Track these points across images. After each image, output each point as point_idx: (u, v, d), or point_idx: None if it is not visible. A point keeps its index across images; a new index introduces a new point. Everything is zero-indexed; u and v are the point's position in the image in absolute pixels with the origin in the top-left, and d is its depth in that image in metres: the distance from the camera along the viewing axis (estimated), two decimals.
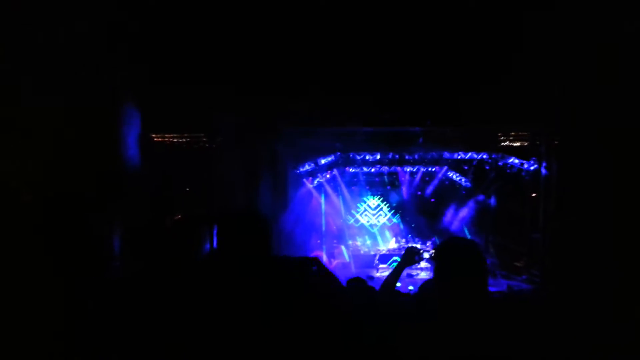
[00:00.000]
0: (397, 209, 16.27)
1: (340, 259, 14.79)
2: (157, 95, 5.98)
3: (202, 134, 10.60)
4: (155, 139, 9.81)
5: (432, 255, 2.85)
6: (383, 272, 13.76)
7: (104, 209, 3.60)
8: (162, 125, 9.21)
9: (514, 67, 6.14)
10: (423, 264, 12.06)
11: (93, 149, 3.71)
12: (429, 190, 15.97)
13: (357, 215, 16.09)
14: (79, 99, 3.41)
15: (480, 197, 14.74)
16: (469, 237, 14.46)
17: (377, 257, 14.51)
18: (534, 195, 12.69)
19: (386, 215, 16.24)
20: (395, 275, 2.79)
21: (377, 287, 2.93)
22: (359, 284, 3.24)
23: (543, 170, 12.00)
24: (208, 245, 10.88)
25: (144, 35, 4.59)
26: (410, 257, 2.86)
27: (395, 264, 2.90)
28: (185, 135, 10.31)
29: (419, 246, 3.10)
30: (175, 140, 10.33)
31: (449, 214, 15.17)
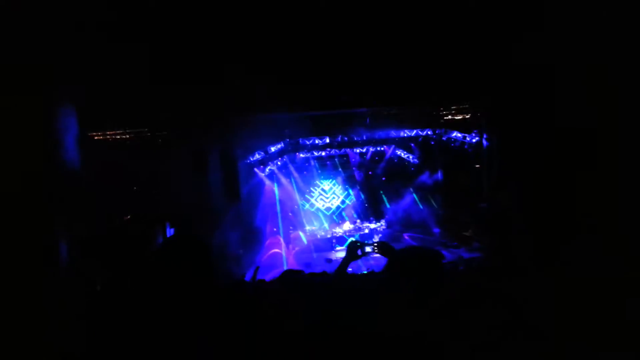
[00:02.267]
0: (349, 190, 16.50)
1: (299, 244, 14.89)
2: (96, 92, 5.72)
3: (145, 129, 10.24)
4: (95, 137, 9.39)
5: (375, 248, 2.91)
6: (340, 253, 13.99)
7: (45, 215, 3.45)
8: (102, 123, 8.82)
9: (454, 44, 6.31)
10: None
11: (27, 150, 3.51)
12: (379, 169, 16.31)
13: (312, 200, 16.20)
14: (8, 99, 3.22)
15: (427, 173, 15.25)
16: (420, 207, 14.95)
17: (333, 240, 14.72)
18: (477, 166, 13.24)
19: (340, 197, 16.44)
20: (341, 270, 2.84)
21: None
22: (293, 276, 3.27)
23: (484, 142, 12.52)
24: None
25: (81, 29, 4.37)
26: (353, 251, 2.89)
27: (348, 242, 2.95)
28: (128, 131, 9.92)
29: (358, 241, 3.15)
30: (117, 137, 9.93)
31: (400, 191, 15.58)
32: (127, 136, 10.05)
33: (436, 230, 14.78)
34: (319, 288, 3.05)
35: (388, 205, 16.03)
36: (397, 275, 2.07)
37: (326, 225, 15.87)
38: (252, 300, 2.37)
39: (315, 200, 16.26)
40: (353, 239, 13.58)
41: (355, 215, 16.20)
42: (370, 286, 3.64)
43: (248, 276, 10.68)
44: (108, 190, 7.99)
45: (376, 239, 14.44)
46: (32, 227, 3.30)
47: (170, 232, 10.94)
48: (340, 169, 16.15)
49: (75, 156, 4.20)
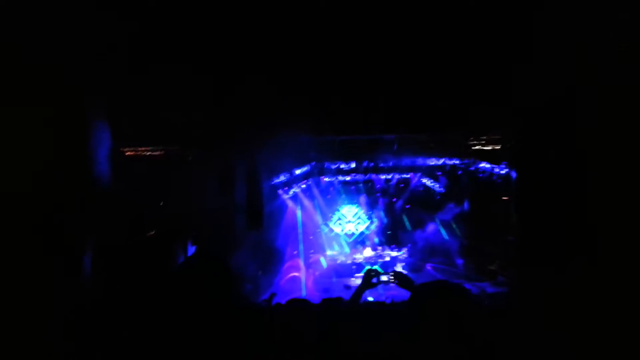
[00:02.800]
0: (373, 216, 16.35)
1: (318, 268, 14.75)
2: (129, 108, 5.85)
3: (177, 147, 10.43)
4: (127, 153, 9.60)
5: (391, 277, 2.85)
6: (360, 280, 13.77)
7: (76, 227, 3.50)
8: (134, 139, 9.02)
9: (483, 73, 6.26)
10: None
11: (62, 164, 3.59)
12: (404, 197, 16.14)
13: (333, 225, 16.10)
14: (44, 113, 3.32)
15: (453, 202, 15.00)
16: (446, 238, 14.65)
17: (354, 266, 14.54)
18: (505, 198, 12.96)
19: (362, 223, 16.29)
20: (356, 299, 2.77)
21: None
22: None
23: (513, 174, 12.26)
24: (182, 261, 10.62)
25: (114, 48, 4.51)
26: (368, 280, 2.83)
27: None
28: (160, 148, 10.11)
29: (374, 269, 3.10)
30: (148, 153, 10.12)
31: (424, 220, 15.34)
32: (158, 152, 10.24)
33: (459, 261, 14.44)
34: (332, 315, 2.99)
35: (411, 234, 15.78)
36: (418, 310, 2.00)
37: (347, 250, 15.71)
38: (265, 324, 2.34)
39: (337, 224, 16.15)
40: (369, 267, 13.37)
41: (377, 242, 16.00)
42: (388, 317, 3.55)
43: (263, 298, 10.61)
44: (135, 204, 8.11)
45: (399, 267, 14.19)
46: (61, 236, 3.34)
47: (191, 249, 11.00)
48: (364, 195, 16.05)
49: (107, 170, 4.28)
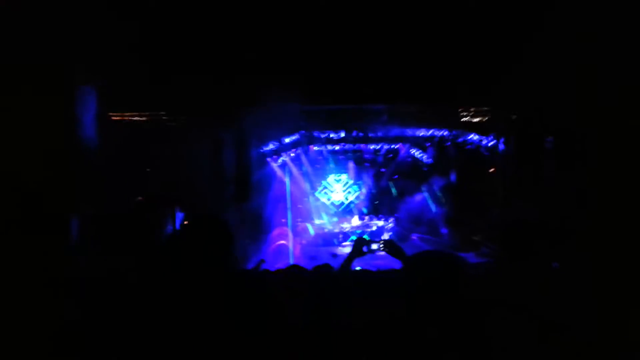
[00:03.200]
0: (361, 186, 16.45)
1: (306, 236, 14.90)
2: (115, 73, 5.72)
3: (162, 113, 10.26)
4: (113, 118, 9.43)
5: (381, 246, 2.87)
6: (346, 249, 13.96)
7: (62, 193, 3.46)
8: (121, 104, 8.85)
9: (474, 43, 6.22)
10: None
11: (46, 129, 3.53)
12: (392, 167, 16.21)
13: (321, 194, 16.18)
14: (31, 78, 3.23)
15: (440, 173, 15.12)
16: (433, 210, 14.81)
17: (340, 235, 14.71)
18: (492, 170, 13.08)
19: (350, 192, 16.39)
20: (346, 267, 2.79)
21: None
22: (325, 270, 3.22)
23: (501, 146, 12.36)
24: (171, 227, 10.67)
25: (103, 11, 4.37)
26: (359, 248, 2.85)
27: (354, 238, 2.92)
28: (146, 113, 9.94)
29: (364, 237, 3.10)
30: (135, 119, 9.96)
31: (411, 191, 15.46)
32: (144, 118, 10.09)
33: (444, 231, 14.66)
34: (322, 282, 3.03)
35: (398, 204, 15.93)
36: (415, 280, 2.02)
37: (334, 219, 15.85)
38: (254, 289, 2.34)
39: (325, 193, 16.24)
40: (359, 236, 13.56)
41: (364, 212, 16.15)
42: (379, 285, 3.61)
43: (250, 265, 10.72)
44: (121, 170, 8.03)
45: (386, 236, 14.39)
46: (50, 203, 3.31)
47: (179, 215, 11.01)
48: (353, 164, 16.08)
49: (93, 135, 4.22)
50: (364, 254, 2.85)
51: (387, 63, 6.57)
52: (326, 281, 2.85)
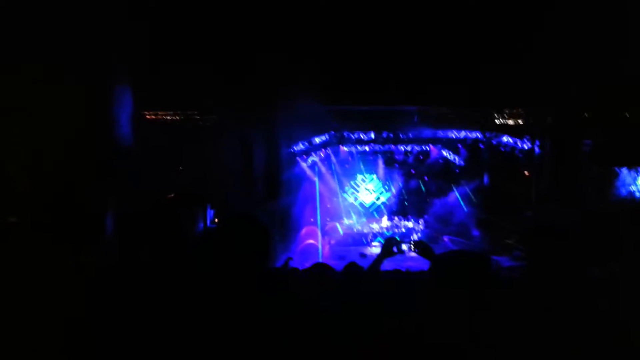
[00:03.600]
0: (390, 187, 16.32)
1: (335, 235, 14.90)
2: (150, 73, 5.88)
3: (195, 112, 10.48)
4: (147, 117, 9.69)
5: (412, 246, 2.82)
6: (376, 249, 13.90)
7: (99, 189, 3.58)
8: (155, 103, 9.09)
9: (508, 49, 6.10)
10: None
11: (85, 128, 3.65)
12: (423, 168, 16.01)
13: (350, 194, 16.14)
14: (71, 77, 3.35)
15: (472, 176, 14.85)
16: (464, 211, 14.55)
17: (369, 235, 14.64)
18: (526, 173, 12.76)
19: (380, 193, 16.30)
20: (376, 267, 2.76)
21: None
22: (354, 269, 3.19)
23: (536, 149, 12.04)
24: (202, 225, 10.87)
25: (139, 14, 4.49)
26: (389, 248, 2.80)
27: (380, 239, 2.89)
28: (179, 113, 10.18)
29: (395, 237, 3.06)
30: (168, 118, 10.21)
31: (442, 192, 15.24)
32: (177, 117, 10.32)
33: (476, 234, 14.38)
34: (350, 281, 3.01)
35: (428, 205, 15.73)
36: (443, 279, 1.99)
37: (364, 219, 15.79)
38: (282, 287, 2.35)
39: (355, 194, 16.19)
40: (389, 236, 13.45)
41: (394, 213, 16.02)
42: (408, 287, 3.57)
43: (279, 264, 10.80)
44: (154, 168, 8.23)
45: (415, 237, 14.24)
46: (83, 197, 3.43)
47: (210, 213, 11.20)
48: (383, 165, 15.97)
49: (128, 133, 4.34)
50: (394, 254, 2.81)
51: (417, 64, 6.50)
52: (354, 280, 2.83)
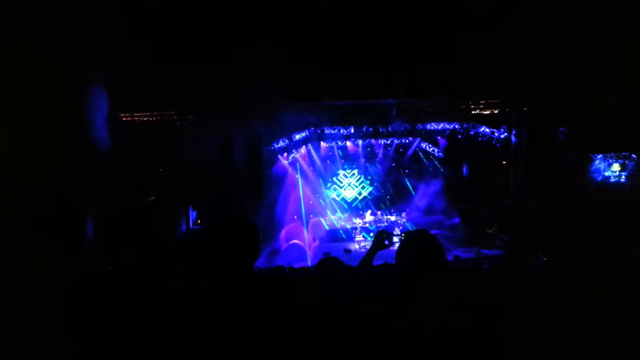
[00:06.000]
0: (372, 181, 16.41)
1: (319, 231, 14.91)
2: (125, 75, 5.80)
3: (172, 112, 10.37)
4: (125, 119, 9.56)
5: (402, 238, 2.85)
6: (360, 244, 13.98)
7: (78, 192, 3.53)
8: (132, 104, 8.96)
9: (482, 38, 6.20)
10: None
11: (60, 132, 3.59)
12: (403, 161, 16.15)
13: (333, 189, 16.18)
14: (45, 80, 3.28)
15: (452, 167, 15.03)
16: (445, 202, 14.73)
17: (353, 231, 14.70)
18: (504, 162, 12.98)
19: (362, 188, 16.37)
20: (368, 260, 2.78)
21: (353, 260, 2.94)
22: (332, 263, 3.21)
23: (513, 138, 12.27)
24: (184, 226, 10.77)
25: (113, 15, 4.42)
26: (380, 241, 2.82)
27: (371, 237, 2.93)
28: (156, 113, 10.05)
29: (385, 230, 3.07)
30: (145, 119, 10.08)
31: (423, 185, 15.38)
32: (154, 118, 10.20)
33: (457, 220, 14.52)
34: (342, 277, 3.03)
35: (410, 198, 15.86)
36: (401, 262, 2.09)
37: (347, 215, 15.85)
38: (269, 287, 2.34)
39: (337, 189, 16.23)
40: (381, 229, 13.55)
41: (376, 207, 16.12)
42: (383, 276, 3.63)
43: (260, 263, 10.77)
44: (133, 169, 8.13)
45: (397, 231, 14.34)
46: (60, 201, 3.38)
47: (192, 214, 11.11)
48: (364, 160, 16.04)
49: (104, 135, 4.28)
50: (385, 246, 2.83)
51: (392, 57, 6.56)
52: (333, 275, 2.84)
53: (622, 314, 2.33)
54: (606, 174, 11.99)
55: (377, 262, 2.96)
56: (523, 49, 6.25)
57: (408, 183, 16.23)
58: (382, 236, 2.83)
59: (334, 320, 2.18)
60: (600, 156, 11.88)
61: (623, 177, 11.84)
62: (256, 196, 11.94)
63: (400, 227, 14.69)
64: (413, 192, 15.71)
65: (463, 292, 2.22)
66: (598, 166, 11.96)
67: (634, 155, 11.70)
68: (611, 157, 11.91)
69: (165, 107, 9.91)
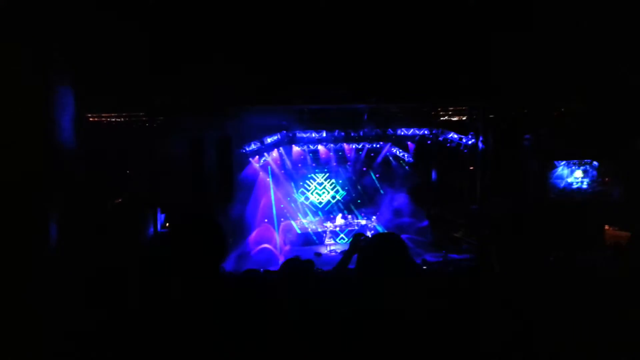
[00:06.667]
0: (343, 185, 16.52)
1: (289, 237, 14.89)
2: (92, 74, 5.66)
3: (141, 113, 10.16)
4: (91, 119, 9.32)
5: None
6: (331, 247, 14.03)
7: (39, 195, 3.43)
8: (98, 105, 8.75)
9: (451, 46, 6.34)
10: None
11: (23, 132, 3.48)
12: (374, 166, 16.34)
13: (305, 193, 16.20)
14: (6, 77, 3.18)
15: (421, 172, 15.29)
16: (414, 207, 14.95)
17: (324, 234, 14.76)
18: (471, 168, 13.29)
19: (333, 192, 16.45)
20: (344, 264, 2.82)
21: (325, 264, 2.97)
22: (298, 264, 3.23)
23: (480, 144, 12.58)
24: (152, 229, 10.57)
25: (78, 12, 4.32)
26: (357, 244, 2.86)
27: (342, 241, 2.96)
28: (124, 114, 9.84)
29: (362, 233, 3.12)
30: (113, 120, 9.85)
31: (393, 189, 15.58)
32: (122, 119, 9.98)
33: (425, 223, 14.76)
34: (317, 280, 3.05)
35: (380, 202, 16.04)
36: (364, 264, 2.14)
37: (317, 218, 15.89)
38: (238, 289, 2.35)
39: (308, 193, 16.27)
40: (358, 232, 13.62)
41: (347, 211, 16.23)
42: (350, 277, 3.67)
43: (228, 266, 10.67)
44: (101, 172, 7.94)
45: (368, 234, 14.44)
46: (26, 206, 3.28)
47: (161, 217, 10.91)
48: (335, 164, 16.13)
49: (71, 136, 4.17)
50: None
51: (363, 63, 6.64)
52: (299, 276, 2.85)
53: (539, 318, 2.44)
54: (569, 180, 12.44)
55: (353, 265, 2.99)
56: (490, 59, 6.44)
57: (379, 186, 16.44)
58: (359, 239, 2.88)
59: (300, 321, 2.20)
60: (564, 163, 12.30)
61: (585, 183, 12.30)
62: (226, 199, 11.83)
63: (372, 231, 14.83)
64: (383, 196, 15.91)
65: (429, 294, 2.27)
66: (561, 172, 12.39)
67: (595, 163, 12.16)
68: (574, 164, 12.36)
69: (133, 109, 9.71)
